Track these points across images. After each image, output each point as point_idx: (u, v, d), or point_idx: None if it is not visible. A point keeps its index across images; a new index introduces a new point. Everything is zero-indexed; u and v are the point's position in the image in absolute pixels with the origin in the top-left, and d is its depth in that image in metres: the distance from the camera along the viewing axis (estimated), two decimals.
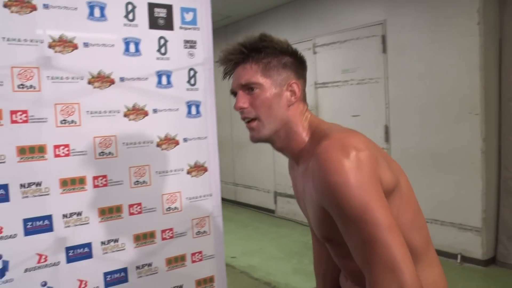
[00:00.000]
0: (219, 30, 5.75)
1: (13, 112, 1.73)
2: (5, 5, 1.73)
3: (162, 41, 2.07)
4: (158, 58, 2.05)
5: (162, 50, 2.07)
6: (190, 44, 2.15)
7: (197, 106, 2.15)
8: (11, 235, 1.75)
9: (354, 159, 0.95)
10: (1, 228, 1.74)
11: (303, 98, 1.19)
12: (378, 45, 4.20)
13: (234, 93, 1.17)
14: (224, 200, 2.28)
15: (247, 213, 5.20)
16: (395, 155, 3.98)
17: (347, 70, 4.37)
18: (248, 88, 1.13)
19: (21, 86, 1.75)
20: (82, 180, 1.87)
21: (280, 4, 4.91)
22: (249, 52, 1.13)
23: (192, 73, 2.14)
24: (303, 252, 3.70)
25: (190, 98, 2.13)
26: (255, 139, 1.18)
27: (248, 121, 1.16)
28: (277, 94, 1.12)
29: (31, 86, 1.77)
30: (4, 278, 1.75)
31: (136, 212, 2.00)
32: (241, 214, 5.12)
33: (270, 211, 5.12)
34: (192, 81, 2.14)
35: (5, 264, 1.76)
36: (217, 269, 2.25)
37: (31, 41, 1.78)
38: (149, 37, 2.04)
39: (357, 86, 4.36)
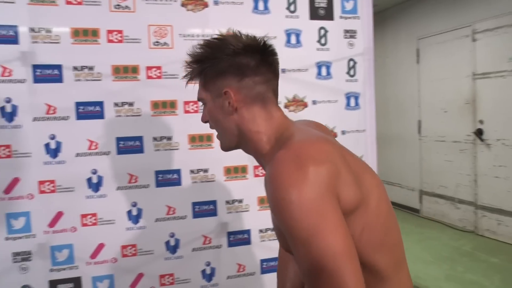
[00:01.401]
0: None
1: (186, 103, 1.83)
2: (182, 4, 1.83)
3: (322, 32, 2.01)
4: (318, 49, 2.00)
5: (322, 40, 2.00)
6: (350, 33, 2.05)
7: (356, 98, 2.05)
8: (182, 216, 1.87)
9: (307, 173, 0.80)
10: (174, 209, 1.87)
11: (258, 100, 1.01)
12: None
13: None
14: None
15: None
16: None
17: None
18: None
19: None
20: (244, 169, 1.91)
21: None
22: (193, 66, 1.03)
23: (351, 63, 2.04)
24: (456, 258, 3.35)
25: (349, 90, 2.03)
26: (223, 149, 1.10)
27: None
28: (217, 105, 1.02)
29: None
30: (176, 254, 1.88)
31: None
32: None
33: (414, 210, 4.77)
34: (352, 72, 2.04)
35: (177, 242, 1.88)
36: None
37: (203, 36, 1.86)
38: (310, 28, 1.99)
39: None
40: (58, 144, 1.74)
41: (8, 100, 1.68)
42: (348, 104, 2.03)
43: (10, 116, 1.69)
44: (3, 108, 1.68)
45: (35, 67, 1.69)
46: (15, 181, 1.71)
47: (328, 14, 2.01)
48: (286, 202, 0.78)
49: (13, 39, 1.66)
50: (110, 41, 1.76)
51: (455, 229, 4.10)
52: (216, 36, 1.03)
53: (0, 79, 1.67)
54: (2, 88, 1.67)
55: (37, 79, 1.69)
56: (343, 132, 2.03)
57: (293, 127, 1.00)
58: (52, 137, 1.73)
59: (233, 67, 0.99)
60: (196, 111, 1.86)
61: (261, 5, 1.93)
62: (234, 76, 1.00)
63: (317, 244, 0.76)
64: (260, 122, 1.01)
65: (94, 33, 1.75)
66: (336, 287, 0.73)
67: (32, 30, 1.68)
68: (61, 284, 1.79)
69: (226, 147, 1.09)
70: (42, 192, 1.74)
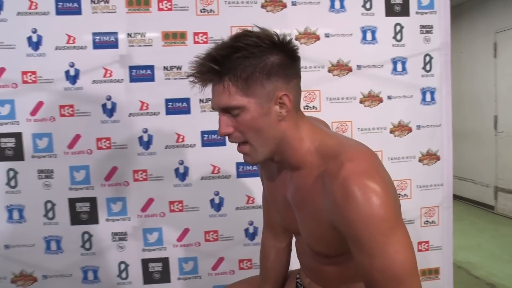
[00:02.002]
0: None
1: None
2: (262, 6, 1.91)
3: (398, 28, 2.00)
4: (393, 45, 1.99)
5: (398, 36, 2.00)
6: (426, 29, 2.02)
7: (432, 93, 2.02)
8: (260, 206, 1.96)
9: (388, 189, 0.82)
10: (254, 198, 1.96)
11: (297, 105, 0.95)
12: None
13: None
14: None
15: (461, 206, 4.72)
16: None
17: None
18: (230, 111, 0.90)
19: None
20: None
21: None
22: (222, 68, 0.86)
23: (427, 59, 2.01)
24: None
25: (424, 85, 2.01)
26: (253, 163, 0.97)
27: (239, 144, 0.95)
28: (265, 112, 0.89)
29: None
30: (254, 241, 1.97)
31: None
32: (455, 207, 4.68)
33: (488, 207, 4.55)
34: (428, 67, 2.02)
35: (255, 229, 1.98)
36: (444, 261, 2.10)
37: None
38: (385, 25, 1.99)
39: None
40: (150, 137, 1.89)
41: (109, 98, 1.85)
42: (423, 99, 2.01)
43: (110, 112, 1.86)
44: (104, 105, 1.85)
45: (131, 68, 1.85)
46: (114, 169, 1.89)
47: (404, 10, 2.00)
48: (376, 218, 0.79)
49: (113, 44, 1.83)
50: (196, 42, 1.87)
51: None
52: (246, 32, 0.89)
53: (102, 80, 1.84)
54: (104, 88, 1.85)
55: (132, 79, 1.85)
56: (418, 127, 2.02)
57: (328, 134, 0.97)
58: (145, 131, 1.88)
59: (282, 67, 0.89)
60: None
61: (337, 4, 1.96)
62: (284, 79, 0.89)
63: (396, 260, 0.80)
64: (302, 128, 0.94)
65: (182, 35, 1.87)
66: None
67: (129, 35, 1.84)
68: (152, 263, 1.95)
69: (254, 162, 0.97)
70: (136, 180, 1.90)
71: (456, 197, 5.02)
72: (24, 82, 1.82)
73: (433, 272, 2.10)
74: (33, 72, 1.82)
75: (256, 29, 0.90)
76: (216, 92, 0.89)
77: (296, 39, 1.93)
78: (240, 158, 0.97)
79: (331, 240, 0.94)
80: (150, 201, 1.92)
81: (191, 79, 0.90)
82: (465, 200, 4.92)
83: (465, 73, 4.77)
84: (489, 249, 3.39)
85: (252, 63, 0.86)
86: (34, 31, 1.80)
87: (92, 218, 1.88)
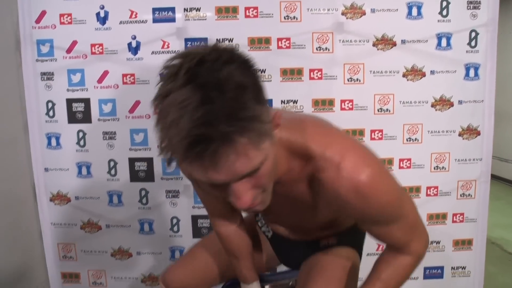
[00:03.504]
0: None
1: (311, 70, 1.92)
2: (342, 13, 1.91)
3: (445, 3, 1.93)
4: (439, 21, 1.93)
5: (444, 12, 1.93)
6: (473, 4, 1.94)
7: (476, 69, 1.95)
8: None
9: (382, 173, 0.85)
10: None
11: None
12: None
13: (216, 184, 0.66)
14: None
15: (500, 186, 4.56)
16: None
17: None
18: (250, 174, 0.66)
19: (318, 49, 1.91)
20: (361, 132, 1.96)
21: None
22: (232, 128, 0.58)
23: (473, 34, 1.94)
24: None
25: (469, 61, 1.94)
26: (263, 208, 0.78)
27: None
28: (272, 143, 0.68)
29: (326, 48, 1.92)
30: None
31: (406, 167, 2.00)
32: (493, 187, 4.52)
33: None
34: (473, 43, 1.94)
35: None
36: (477, 233, 2.07)
37: (328, 10, 1.91)
38: (432, 0, 1.92)
39: None
40: None
41: None
42: (467, 75, 1.95)
43: None
44: (161, 74, 1.92)
45: (187, 40, 1.90)
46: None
47: None
48: (389, 203, 0.83)
49: (171, 18, 1.89)
50: (247, 16, 1.89)
51: None
52: (218, 64, 0.61)
53: (160, 51, 1.92)
54: (162, 58, 1.90)
55: None
56: (460, 102, 1.96)
57: (289, 129, 0.83)
58: None
59: (258, 83, 0.66)
60: (320, 78, 1.93)
61: None
62: (265, 94, 0.67)
63: (412, 216, 0.91)
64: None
65: (234, 10, 1.90)
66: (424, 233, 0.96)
67: (185, 10, 1.89)
68: (201, 219, 2.05)
69: (266, 205, 0.78)
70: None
71: (495, 177, 4.84)
72: (93, 53, 1.93)
73: (466, 243, 2.08)
74: (100, 44, 1.92)
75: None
76: (224, 163, 0.60)
77: (342, 13, 1.91)
78: None
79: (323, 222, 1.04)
80: None
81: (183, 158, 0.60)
82: (504, 180, 4.74)
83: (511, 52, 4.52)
84: None
85: (250, 98, 0.60)
86: (102, 7, 1.90)
87: (149, 176, 1.99)
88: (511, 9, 4.47)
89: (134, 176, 2.00)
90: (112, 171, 2.00)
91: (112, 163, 2.00)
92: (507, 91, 4.60)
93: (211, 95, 0.57)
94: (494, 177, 4.83)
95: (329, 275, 1.04)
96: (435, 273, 2.10)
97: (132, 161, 1.99)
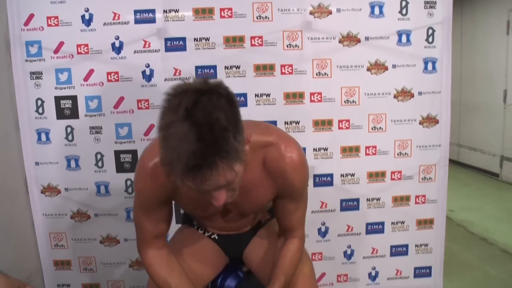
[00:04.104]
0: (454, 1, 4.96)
1: (282, 66, 2.04)
2: (310, 12, 2.02)
3: (404, 3, 2.06)
4: (399, 19, 2.07)
5: (404, 11, 2.07)
6: (430, 4, 2.08)
7: (434, 63, 2.09)
8: None
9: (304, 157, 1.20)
10: None
11: None
12: None
13: (202, 191, 0.91)
14: None
15: (468, 174, 4.77)
16: None
17: None
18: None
19: (289, 46, 2.03)
20: (330, 122, 2.09)
21: None
22: (227, 152, 0.82)
23: (430, 31, 2.08)
24: None
25: (427, 55, 2.08)
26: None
27: None
28: (243, 163, 0.89)
29: (296, 45, 2.03)
30: None
31: (372, 153, 2.13)
32: (462, 174, 4.73)
33: (493, 175, 4.58)
34: (430, 39, 2.08)
35: None
36: (438, 213, 2.22)
37: (298, 10, 2.03)
38: (392, 0, 2.05)
39: None
40: None
41: (147, 65, 2.03)
42: (425, 68, 2.09)
43: (149, 77, 2.04)
44: (144, 71, 2.03)
45: (166, 40, 2.01)
46: (152, 126, 2.07)
47: None
48: (305, 181, 1.20)
49: (152, 19, 2.00)
50: (222, 17, 2.00)
51: None
52: (208, 101, 0.81)
53: (142, 50, 2.02)
54: (143, 57, 2.02)
55: (167, 49, 2.02)
56: (420, 93, 2.10)
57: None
58: None
59: (236, 106, 0.89)
60: (290, 73, 2.05)
61: None
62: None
63: (305, 208, 1.28)
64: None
65: (210, 11, 2.00)
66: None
67: (164, 11, 1.99)
68: None
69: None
70: None
71: (464, 165, 5.05)
72: (79, 53, 2.02)
73: (428, 222, 2.23)
74: (86, 45, 2.01)
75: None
76: (209, 180, 0.83)
77: (310, 13, 2.03)
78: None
79: (265, 204, 1.27)
80: None
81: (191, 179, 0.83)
82: (474, 169, 4.94)
83: (478, 49, 4.71)
84: (489, 211, 3.48)
85: (230, 136, 0.82)
86: (87, 10, 1.99)
87: (134, 167, 2.06)
88: (476, 8, 4.66)
89: (120, 167, 2.09)
90: (99, 163, 2.10)
91: (99, 156, 2.09)
92: (476, 85, 4.80)
93: (203, 134, 0.78)
94: (463, 165, 5.07)
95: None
96: (400, 250, 2.24)
97: (117, 153, 2.09)
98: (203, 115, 0.79)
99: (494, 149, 4.58)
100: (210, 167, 0.80)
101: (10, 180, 2.05)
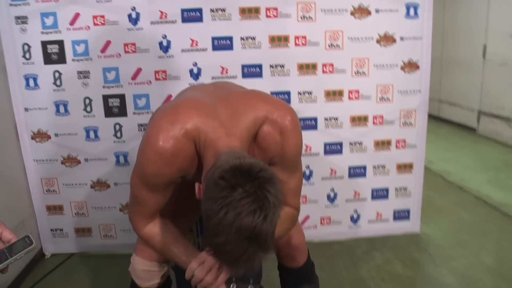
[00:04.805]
0: None
1: (267, 9, 2.02)
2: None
3: None
4: None
5: None
6: None
7: (415, 8, 2.09)
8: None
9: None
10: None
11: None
12: None
13: None
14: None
15: (448, 128, 4.87)
16: None
17: None
18: None
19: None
20: (314, 66, 2.09)
21: None
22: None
23: None
24: (501, 168, 3.37)
25: (409, 0, 2.07)
26: None
27: None
28: None
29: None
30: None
31: (354, 98, 2.14)
32: (442, 129, 4.80)
33: (471, 129, 4.66)
34: None
35: None
36: (417, 158, 2.26)
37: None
38: None
39: None
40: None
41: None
42: (407, 14, 2.08)
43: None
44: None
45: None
46: (139, 70, 2.05)
47: None
48: (298, 148, 1.12)
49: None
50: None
51: (507, 147, 3.99)
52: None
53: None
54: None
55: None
56: (402, 38, 2.11)
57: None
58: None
59: None
60: (275, 16, 2.03)
61: None
62: None
63: (300, 181, 1.21)
64: None
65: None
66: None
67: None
68: None
69: None
70: None
71: (445, 121, 5.11)
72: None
73: (408, 167, 2.27)
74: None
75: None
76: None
77: None
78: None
79: None
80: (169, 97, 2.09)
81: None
82: (452, 124, 5.02)
83: (461, 5, 4.71)
84: (465, 162, 3.58)
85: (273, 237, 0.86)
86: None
87: (122, 111, 2.09)
88: None
89: (109, 112, 2.08)
90: (88, 108, 2.08)
91: (87, 101, 2.08)
92: (457, 40, 4.81)
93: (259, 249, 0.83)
94: (443, 120, 5.13)
95: None
96: (381, 194, 2.29)
97: (105, 98, 2.07)
98: (264, 243, 0.82)
99: (473, 104, 4.64)
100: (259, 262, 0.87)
101: (0, 126, 2.03)
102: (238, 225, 0.78)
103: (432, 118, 4.93)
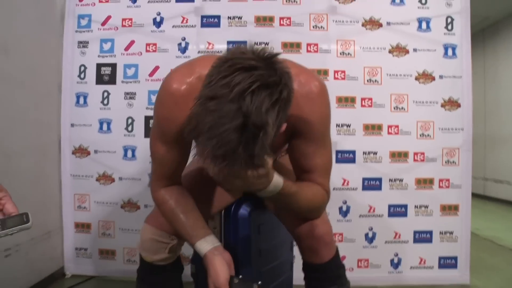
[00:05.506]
0: (476, 35, 4.57)
1: (308, 44, 2.08)
2: None
3: None
4: (419, 7, 2.12)
5: (423, 0, 2.11)
6: None
7: (454, 49, 2.10)
8: None
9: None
10: None
11: None
12: None
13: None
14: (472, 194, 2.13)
15: (495, 205, 4.49)
16: None
17: None
18: None
19: (314, 27, 2.09)
20: (353, 99, 2.07)
21: None
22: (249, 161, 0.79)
23: (449, 20, 2.11)
24: None
25: (446, 41, 2.10)
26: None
27: None
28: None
29: (321, 27, 2.09)
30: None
31: (394, 133, 2.07)
32: (489, 206, 4.45)
33: None
34: (449, 27, 2.10)
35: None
36: (463, 199, 2.08)
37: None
38: None
39: None
40: None
41: (184, 38, 2.12)
42: (446, 53, 2.09)
43: (184, 49, 2.12)
44: (180, 44, 2.11)
45: (203, 17, 2.11)
46: None
47: None
48: (325, 118, 1.01)
49: None
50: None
51: None
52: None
53: (180, 25, 2.12)
54: (181, 31, 2.12)
55: (203, 25, 2.12)
56: (441, 77, 2.09)
57: None
58: None
59: None
60: (316, 51, 2.08)
61: None
62: None
63: (329, 159, 1.07)
64: None
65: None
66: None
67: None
68: None
69: None
70: None
71: (491, 199, 4.76)
72: (123, 26, 2.14)
73: (453, 209, 2.08)
74: (130, 19, 2.14)
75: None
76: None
77: None
78: None
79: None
80: None
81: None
82: (501, 201, 4.65)
83: (502, 82, 4.69)
84: None
85: (268, 139, 0.75)
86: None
87: None
88: (487, 43, 4.72)
89: (149, 132, 2.09)
90: (129, 128, 2.11)
91: (129, 120, 2.11)
92: (501, 116, 4.69)
93: (247, 137, 0.71)
94: (489, 198, 4.75)
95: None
96: (424, 237, 2.08)
97: (147, 118, 2.10)
98: (255, 115, 0.70)
99: None
100: (233, 166, 0.75)
101: (45, 137, 2.07)
102: (237, 91, 0.69)
103: (477, 196, 4.63)
